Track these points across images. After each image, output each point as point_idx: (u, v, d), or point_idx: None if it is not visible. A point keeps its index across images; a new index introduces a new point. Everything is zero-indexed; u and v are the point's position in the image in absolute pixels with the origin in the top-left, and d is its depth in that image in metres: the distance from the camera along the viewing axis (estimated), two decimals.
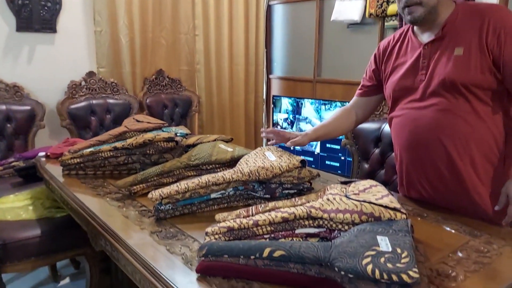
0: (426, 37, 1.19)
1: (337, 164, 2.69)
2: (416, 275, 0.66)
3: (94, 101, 2.53)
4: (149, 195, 1.13)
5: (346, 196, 0.94)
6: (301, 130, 2.92)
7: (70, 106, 2.44)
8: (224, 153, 1.43)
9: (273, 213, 0.94)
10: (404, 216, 0.86)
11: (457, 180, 1.15)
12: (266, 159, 1.29)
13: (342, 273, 0.71)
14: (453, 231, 1.05)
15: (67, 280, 2.11)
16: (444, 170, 1.16)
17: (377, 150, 1.66)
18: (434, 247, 0.96)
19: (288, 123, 2.93)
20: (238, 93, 3.20)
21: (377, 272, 0.68)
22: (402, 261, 0.70)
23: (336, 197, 0.94)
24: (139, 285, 0.95)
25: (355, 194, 0.95)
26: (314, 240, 0.93)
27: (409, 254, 0.72)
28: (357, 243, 0.76)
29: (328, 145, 2.65)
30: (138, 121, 1.92)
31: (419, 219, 1.14)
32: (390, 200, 0.90)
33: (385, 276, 0.67)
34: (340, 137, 1.80)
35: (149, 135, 1.50)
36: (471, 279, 0.83)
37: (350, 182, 1.05)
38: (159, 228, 1.08)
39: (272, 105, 3.10)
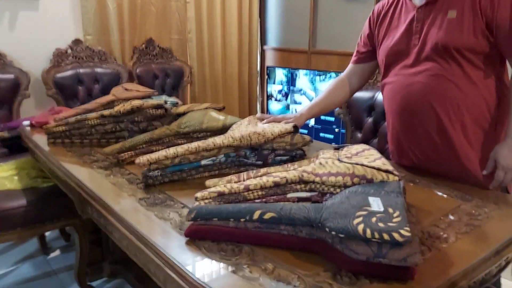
0: (419, 0, 1.16)
1: (331, 136, 2.67)
2: (408, 234, 0.65)
3: (81, 70, 2.46)
4: (137, 160, 1.10)
5: (338, 159, 0.92)
6: (295, 102, 2.88)
7: (56, 75, 2.37)
8: (216, 121, 1.40)
9: (264, 178, 0.92)
10: (396, 178, 0.84)
11: (448, 147, 1.14)
12: (258, 125, 1.26)
13: (333, 233, 0.70)
14: (444, 195, 1.05)
15: (57, 252, 2.10)
16: (435, 137, 1.15)
17: (370, 119, 1.64)
18: (426, 210, 0.95)
19: (282, 94, 2.89)
20: (231, 63, 3.13)
21: (368, 231, 0.67)
22: (394, 220, 0.69)
23: (328, 161, 0.92)
24: (126, 251, 0.94)
25: (347, 157, 0.93)
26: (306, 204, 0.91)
27: (400, 214, 0.70)
28: (348, 204, 0.75)
29: (322, 117, 2.62)
30: (126, 89, 1.87)
31: (411, 184, 1.13)
32: (383, 162, 0.88)
33: (376, 235, 0.66)
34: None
35: (137, 102, 1.46)
36: (462, 240, 0.82)
37: (343, 147, 1.03)
38: (148, 194, 1.05)
39: (266, 76, 3.04)
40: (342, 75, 1.42)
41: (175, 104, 1.68)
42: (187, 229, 0.83)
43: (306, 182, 0.91)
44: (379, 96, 1.60)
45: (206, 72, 3.03)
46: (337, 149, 1.03)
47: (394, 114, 1.23)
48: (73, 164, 1.31)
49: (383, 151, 1.57)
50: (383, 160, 0.90)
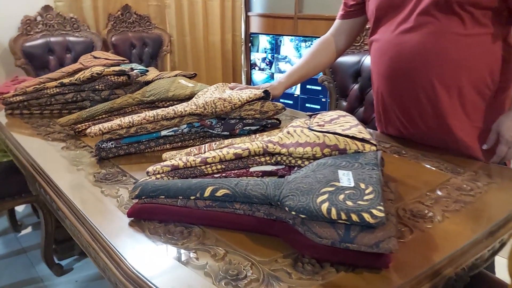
0: None
1: (318, 107, 2.54)
2: (381, 214, 0.54)
3: (52, 39, 2.30)
4: (88, 130, 0.98)
5: (308, 128, 0.80)
6: (280, 71, 2.72)
7: (24, 44, 2.21)
8: (183, 89, 1.26)
9: (224, 150, 0.80)
10: (373, 148, 0.72)
11: (440, 115, 1.01)
12: (226, 92, 1.13)
13: (293, 213, 0.59)
14: (433, 168, 0.94)
15: (29, 229, 2.00)
16: (426, 104, 1.02)
17: (356, 86, 1.51)
18: (410, 185, 0.84)
19: (266, 63, 2.73)
20: (213, 31, 2.95)
21: (333, 211, 0.55)
22: (365, 198, 0.57)
23: (297, 129, 0.80)
24: (70, 232, 0.83)
25: (319, 125, 0.81)
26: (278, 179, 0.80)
27: (374, 190, 0.59)
28: (313, 178, 0.63)
29: (308, 86, 2.48)
30: (95, 57, 1.74)
31: (396, 156, 1.01)
32: (359, 130, 0.76)
33: (343, 216, 0.55)
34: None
35: (97, 68, 1.32)
36: (451, 219, 0.71)
37: (317, 114, 0.91)
38: (99, 169, 0.94)
39: (249, 44, 2.87)
40: (327, 34, 1.27)
41: (144, 72, 1.55)
42: (130, 208, 0.72)
43: (271, 154, 0.79)
44: (366, 60, 1.46)
45: (187, 40, 2.86)
46: (310, 116, 0.91)
47: (381, 76, 1.09)
48: (27, 136, 1.19)
49: (369, 121, 1.45)
50: (360, 127, 0.78)
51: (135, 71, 1.46)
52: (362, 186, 0.60)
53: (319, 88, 2.45)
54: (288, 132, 0.81)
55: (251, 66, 2.85)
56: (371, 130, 1.20)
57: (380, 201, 0.56)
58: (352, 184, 0.61)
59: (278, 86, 1.18)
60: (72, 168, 0.95)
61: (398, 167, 0.94)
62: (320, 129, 0.77)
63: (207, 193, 0.67)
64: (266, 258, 0.60)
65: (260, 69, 2.80)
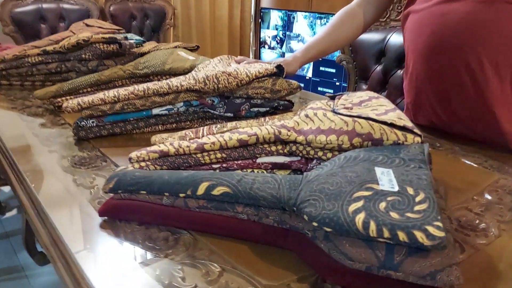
0: None
1: (331, 91, 2.37)
2: (441, 234, 0.38)
3: (44, 5, 2.12)
4: (64, 104, 0.83)
5: (333, 111, 0.64)
6: (291, 50, 2.53)
7: (14, 10, 2.04)
8: (183, 62, 1.10)
9: (226, 135, 0.64)
10: (418, 139, 0.56)
11: (486, 102, 0.84)
12: (231, 66, 0.97)
13: (315, 224, 0.43)
14: (475, 165, 0.77)
15: (13, 212, 1.86)
16: (469, 88, 0.85)
17: (378, 68, 1.34)
18: (453, 186, 0.68)
19: (277, 41, 2.54)
20: (220, 5, 2.76)
21: (372, 225, 0.40)
22: (416, 208, 0.41)
23: (318, 113, 0.64)
24: (32, 227, 0.68)
25: (346, 108, 0.65)
26: (283, 173, 0.64)
27: (427, 198, 0.43)
28: (342, 178, 0.47)
29: (321, 68, 2.30)
30: (88, 25, 1.58)
31: (430, 149, 0.85)
32: (398, 115, 0.59)
33: (386, 234, 0.39)
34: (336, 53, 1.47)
35: (85, 35, 1.16)
36: (509, 233, 0.56)
37: (342, 95, 0.74)
38: (75, 151, 0.78)
39: (259, 20, 2.68)
40: (352, 3, 1.09)
41: (140, 43, 1.39)
42: (103, 205, 0.56)
43: (284, 143, 0.64)
44: (393, 38, 1.29)
45: (192, 14, 2.67)
46: (333, 98, 0.74)
47: (418, 53, 0.91)
48: (0, 109, 1.04)
49: None
50: (399, 112, 0.61)
51: (129, 40, 1.29)
52: (410, 191, 0.44)
53: (333, 70, 2.27)
54: (307, 116, 0.65)
55: (261, 44, 2.66)
56: None
57: (437, 214, 0.41)
58: (396, 188, 0.45)
59: (292, 62, 1.01)
60: (43, 149, 0.79)
61: (434, 163, 0.78)
62: (348, 113, 0.61)
63: (201, 191, 0.51)
64: (275, 282, 0.45)
65: (270, 47, 2.61)
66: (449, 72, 0.86)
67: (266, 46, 2.65)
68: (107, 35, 1.16)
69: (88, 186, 0.65)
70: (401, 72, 1.24)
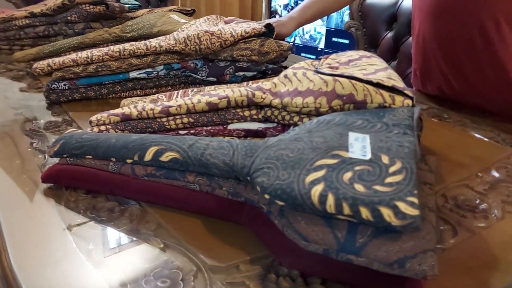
0: None
1: None
2: (414, 212, 0.30)
3: None
4: (34, 65, 0.77)
5: (315, 70, 0.55)
6: None
7: None
8: (173, 25, 1.02)
9: (195, 97, 0.57)
10: (408, 101, 0.47)
11: (501, 67, 0.73)
12: (217, 25, 0.88)
13: (267, 196, 0.36)
14: (485, 139, 0.68)
15: None
16: (483, 51, 0.74)
17: (389, 34, 1.22)
18: (454, 161, 0.60)
19: (288, 10, 2.42)
20: None
21: (330, 198, 0.32)
22: (388, 180, 0.33)
23: (298, 72, 0.55)
24: None
25: (331, 67, 0.56)
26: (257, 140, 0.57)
27: (404, 168, 0.35)
28: (307, 143, 0.39)
29: (334, 39, 2.17)
30: None
31: (436, 121, 0.76)
32: (388, 75, 0.50)
33: (346, 209, 0.32)
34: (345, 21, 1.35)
35: None
36: None
37: (330, 54, 0.65)
38: (44, 115, 0.73)
39: None
40: None
41: (136, 8, 1.31)
42: (46, 170, 0.50)
43: (259, 107, 0.56)
44: (406, 1, 1.17)
45: None
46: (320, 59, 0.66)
47: (425, 12, 0.81)
48: None
49: (404, 77, 1.18)
50: (390, 72, 0.52)
51: (122, 2, 1.22)
52: (385, 159, 0.36)
53: (347, 41, 2.14)
54: (286, 76, 0.56)
55: (271, 14, 2.54)
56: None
57: (413, 188, 0.33)
58: (368, 156, 0.37)
59: (287, 23, 0.91)
60: (9, 112, 0.74)
61: (438, 135, 0.69)
62: (331, 72, 0.52)
63: (148, 156, 0.44)
64: (222, 263, 0.38)
65: (281, 17, 2.49)
66: (460, 32, 0.75)
67: (277, 17, 2.53)
68: None
69: (44, 151, 0.59)
70: None
